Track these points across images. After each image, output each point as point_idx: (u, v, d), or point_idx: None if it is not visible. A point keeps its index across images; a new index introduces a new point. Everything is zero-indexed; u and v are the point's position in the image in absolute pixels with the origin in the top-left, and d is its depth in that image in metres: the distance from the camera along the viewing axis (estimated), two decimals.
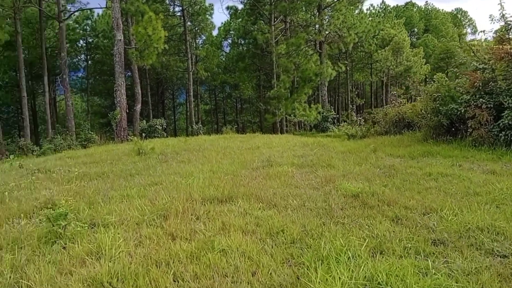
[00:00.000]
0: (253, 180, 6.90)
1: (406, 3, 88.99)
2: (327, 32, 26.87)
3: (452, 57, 75.63)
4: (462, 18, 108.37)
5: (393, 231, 4.34)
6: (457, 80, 10.56)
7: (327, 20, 26.10)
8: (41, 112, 40.81)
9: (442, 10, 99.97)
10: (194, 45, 45.06)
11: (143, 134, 21.13)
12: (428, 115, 10.83)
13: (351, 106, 32.24)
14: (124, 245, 4.20)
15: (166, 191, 6.42)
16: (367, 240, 4.06)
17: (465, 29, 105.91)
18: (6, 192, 6.89)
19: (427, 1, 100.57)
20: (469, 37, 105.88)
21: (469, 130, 9.55)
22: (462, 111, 9.64)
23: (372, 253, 3.83)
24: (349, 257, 3.67)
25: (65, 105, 28.44)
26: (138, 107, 27.30)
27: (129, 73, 34.81)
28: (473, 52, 10.72)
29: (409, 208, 5.17)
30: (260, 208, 5.35)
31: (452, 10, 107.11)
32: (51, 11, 32.09)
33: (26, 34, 35.08)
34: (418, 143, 10.42)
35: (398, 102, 13.18)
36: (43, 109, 36.66)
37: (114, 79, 21.28)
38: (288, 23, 32.69)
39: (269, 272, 3.52)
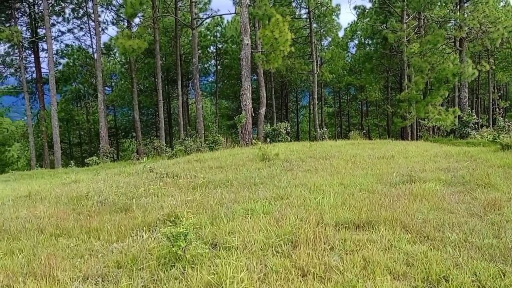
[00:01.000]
0: (395, 200, 5.85)
1: None
2: (467, 28, 23.93)
3: None
4: None
5: None
6: None
7: (468, 14, 23.17)
8: (175, 115, 43.75)
9: None
10: (320, 47, 44.29)
11: (267, 138, 21.01)
12: None
13: (498, 109, 28.41)
14: (247, 278, 3.58)
15: (293, 208, 5.73)
16: None
17: None
18: (134, 199, 6.87)
19: None
20: None
21: None
22: None
23: None
24: None
25: (195, 108, 29.87)
26: (263, 110, 27.41)
27: (255, 77, 35.43)
28: None
29: None
30: (408, 241, 4.34)
31: None
32: (186, 19, 34.09)
33: (163, 42, 37.82)
34: None
35: None
36: (177, 112, 39.17)
37: (240, 83, 21.51)
38: (422, 20, 30.13)
39: None
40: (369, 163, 10.04)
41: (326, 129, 27.08)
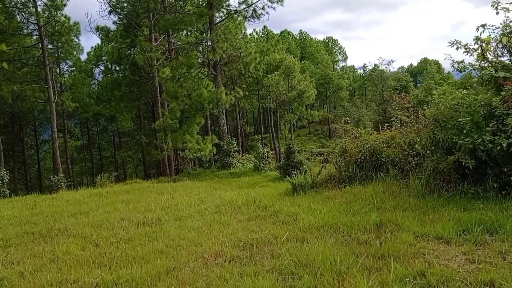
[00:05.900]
0: None
1: (282, 31, 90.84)
2: (222, 51, 22.59)
3: (330, 82, 78.03)
4: (333, 46, 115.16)
5: None
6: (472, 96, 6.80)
7: (222, 36, 21.80)
8: None
9: (315, 38, 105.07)
10: (58, 71, 37.77)
11: None
12: (430, 152, 6.91)
13: (256, 136, 28.36)
14: None
15: None
16: None
17: (337, 56, 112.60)
18: None
19: (301, 30, 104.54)
20: (341, 64, 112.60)
21: None
22: (504, 144, 5.85)
23: None
24: None
25: None
26: None
27: None
28: (483, 54, 7.16)
29: None
30: None
31: (324, 39, 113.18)
32: None
33: None
34: (433, 201, 6.36)
35: (357, 133, 9.19)
36: None
37: None
38: (172, 43, 27.92)
39: None
40: (122, 242, 5.97)
41: (62, 175, 21.11)
